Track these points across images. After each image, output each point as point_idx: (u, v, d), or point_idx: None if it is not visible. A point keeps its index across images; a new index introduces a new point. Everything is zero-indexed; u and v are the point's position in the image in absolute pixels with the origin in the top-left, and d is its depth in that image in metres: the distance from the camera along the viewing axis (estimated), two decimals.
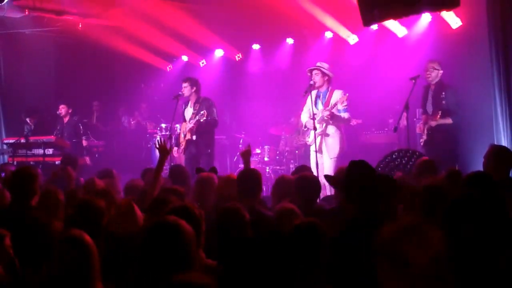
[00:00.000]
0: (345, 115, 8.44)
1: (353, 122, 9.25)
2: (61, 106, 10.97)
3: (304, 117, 8.77)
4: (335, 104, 8.32)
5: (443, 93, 8.05)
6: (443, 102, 8.00)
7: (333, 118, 8.33)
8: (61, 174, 6.28)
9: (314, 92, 8.42)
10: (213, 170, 5.83)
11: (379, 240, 2.28)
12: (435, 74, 8.17)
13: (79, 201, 4.20)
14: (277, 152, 11.13)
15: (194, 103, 9.17)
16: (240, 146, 11.62)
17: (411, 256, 2.19)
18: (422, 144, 8.22)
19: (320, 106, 8.47)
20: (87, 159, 10.74)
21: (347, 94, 8.31)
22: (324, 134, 8.43)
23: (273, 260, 3.08)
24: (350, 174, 3.69)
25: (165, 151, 5.41)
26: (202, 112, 8.84)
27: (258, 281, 3.05)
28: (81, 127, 10.97)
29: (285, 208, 4.10)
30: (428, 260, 2.19)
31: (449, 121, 7.96)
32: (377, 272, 2.27)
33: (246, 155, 6.04)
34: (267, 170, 10.78)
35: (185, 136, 9.10)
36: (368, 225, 3.19)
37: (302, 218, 3.78)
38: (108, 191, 4.77)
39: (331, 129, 8.45)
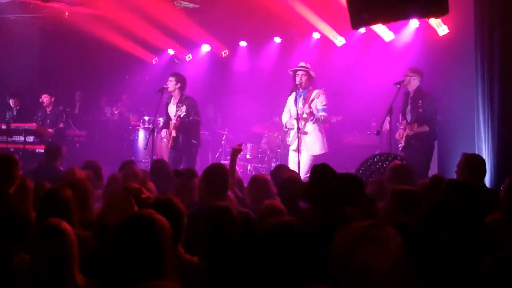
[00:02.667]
0: (322, 114, 8.48)
1: (333, 119, 9.26)
2: (44, 96, 10.84)
3: (285, 117, 8.82)
4: (313, 100, 8.38)
5: (420, 101, 8.12)
6: (420, 110, 8.09)
7: (312, 115, 8.36)
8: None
9: (295, 92, 8.51)
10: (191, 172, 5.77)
11: (333, 252, 2.10)
12: (408, 81, 8.23)
13: (46, 191, 4.14)
14: (259, 150, 11.13)
15: (178, 102, 9.03)
16: (223, 142, 11.61)
17: (368, 266, 2.01)
18: (400, 149, 8.28)
19: (300, 104, 8.51)
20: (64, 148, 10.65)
21: (322, 89, 8.39)
22: (303, 132, 8.46)
23: (261, 259, 3.05)
24: (312, 181, 3.65)
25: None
26: (181, 107, 8.79)
27: (245, 279, 3.02)
28: (64, 115, 10.86)
29: (272, 206, 4.08)
30: (387, 266, 2.02)
31: (425, 129, 8.04)
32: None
33: (236, 153, 6.00)
34: (249, 168, 10.79)
35: (170, 134, 9.03)
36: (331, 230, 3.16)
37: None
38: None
39: (310, 127, 8.51)
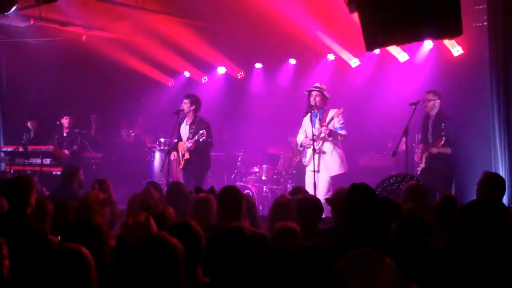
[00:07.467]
0: (341, 132, 8.44)
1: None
2: (65, 117, 10.96)
3: (300, 138, 8.79)
4: (331, 119, 8.34)
5: (443, 125, 8.07)
6: (443, 133, 8.03)
7: (330, 135, 8.32)
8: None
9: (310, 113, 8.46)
10: (212, 190, 5.78)
11: (332, 276, 2.27)
12: (432, 104, 8.22)
13: (76, 218, 4.16)
14: (275, 172, 11.12)
15: (191, 123, 9.09)
16: (238, 164, 11.62)
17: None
18: (419, 171, 8.22)
19: (317, 125, 8.48)
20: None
21: (342, 108, 8.35)
22: (321, 152, 8.41)
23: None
24: (351, 197, 3.62)
25: None
26: (201, 131, 8.79)
27: None
28: (79, 138, 10.94)
29: (286, 227, 4.06)
30: None
31: (448, 151, 7.97)
32: None
33: None
34: (264, 189, 10.76)
35: (183, 155, 9.06)
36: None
37: (304, 240, 3.74)
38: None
39: (328, 147, 8.44)
